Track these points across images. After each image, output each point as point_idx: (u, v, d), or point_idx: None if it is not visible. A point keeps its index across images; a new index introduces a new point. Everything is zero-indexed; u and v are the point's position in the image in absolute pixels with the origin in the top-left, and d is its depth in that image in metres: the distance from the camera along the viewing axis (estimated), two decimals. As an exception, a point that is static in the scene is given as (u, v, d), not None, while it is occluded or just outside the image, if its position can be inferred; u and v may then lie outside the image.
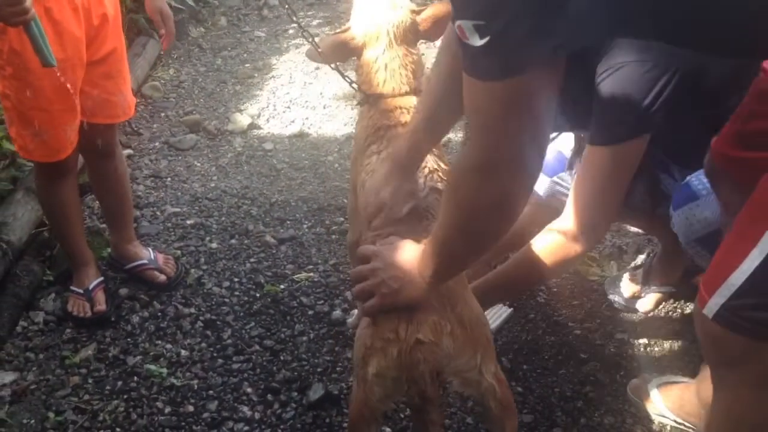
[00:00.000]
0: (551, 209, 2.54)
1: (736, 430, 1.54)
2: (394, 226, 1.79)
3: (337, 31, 2.20)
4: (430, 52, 3.31)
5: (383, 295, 1.59)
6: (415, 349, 1.56)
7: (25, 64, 2.16)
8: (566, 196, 2.18)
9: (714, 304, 1.37)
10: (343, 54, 2.17)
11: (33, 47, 2.02)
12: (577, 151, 2.32)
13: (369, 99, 2.11)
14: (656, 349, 2.45)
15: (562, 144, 2.42)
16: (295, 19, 2.30)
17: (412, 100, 2.04)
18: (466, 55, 1.21)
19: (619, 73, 1.91)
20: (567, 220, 2.08)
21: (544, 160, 1.32)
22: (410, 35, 2.11)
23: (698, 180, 2.03)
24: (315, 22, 5.48)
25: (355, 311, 2.50)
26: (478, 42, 1.15)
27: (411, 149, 1.84)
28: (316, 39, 2.20)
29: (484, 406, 1.71)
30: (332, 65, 2.17)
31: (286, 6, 2.30)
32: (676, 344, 2.46)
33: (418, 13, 2.13)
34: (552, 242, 2.10)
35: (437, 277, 1.54)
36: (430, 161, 1.92)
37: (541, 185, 2.41)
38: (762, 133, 1.56)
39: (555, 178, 2.40)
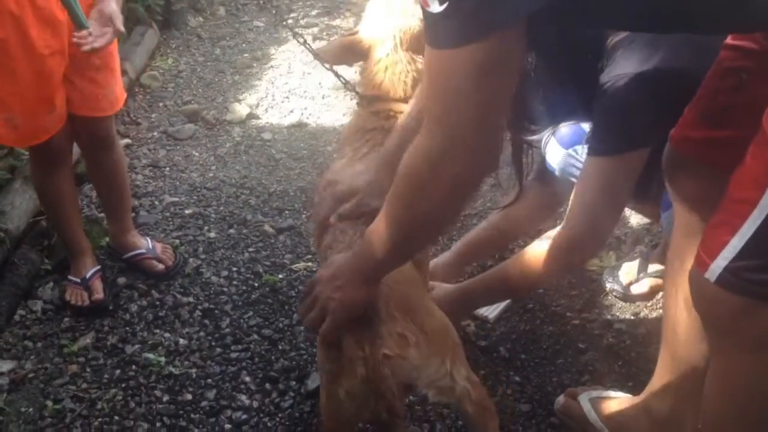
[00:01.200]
0: (547, 208, 2.55)
1: (734, 395, 1.52)
2: (358, 218, 1.79)
3: (346, 33, 2.22)
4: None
5: (332, 312, 1.57)
6: (382, 364, 1.54)
7: (7, 49, 2.14)
8: (576, 175, 2.17)
9: (716, 266, 1.36)
10: (350, 56, 2.19)
11: (68, 12, 2.07)
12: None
13: (363, 100, 2.13)
14: (654, 339, 2.45)
15: None
16: (288, 25, 2.32)
17: (403, 107, 2.02)
18: (427, 25, 1.19)
19: (620, 84, 1.89)
20: (566, 229, 2.07)
21: (502, 140, 1.30)
22: (417, 43, 2.11)
23: None
24: (314, 12, 5.47)
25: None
26: (437, 8, 1.13)
27: (400, 147, 1.78)
28: (317, 30, 2.23)
29: (462, 411, 1.71)
30: (326, 65, 2.18)
31: (284, 22, 2.32)
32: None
33: None
34: (549, 250, 2.09)
35: (382, 267, 1.53)
36: None
37: (555, 157, 2.33)
38: (727, 109, 1.56)
39: (570, 151, 2.31)
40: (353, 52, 2.16)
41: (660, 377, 1.92)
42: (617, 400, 2.07)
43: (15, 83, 2.21)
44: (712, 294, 1.42)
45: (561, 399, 2.17)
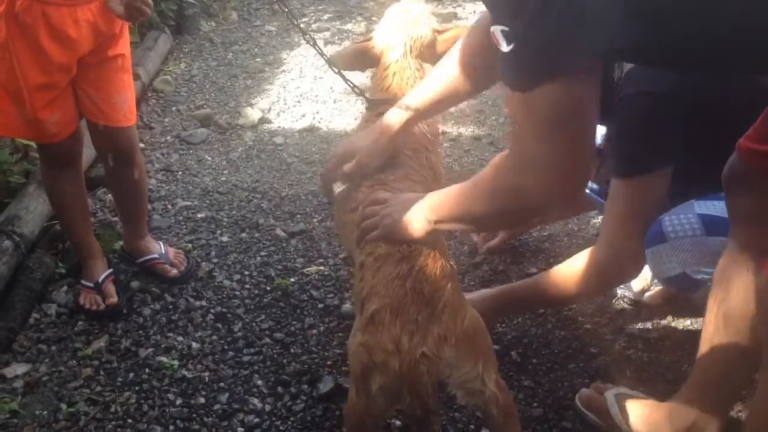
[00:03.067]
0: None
1: None
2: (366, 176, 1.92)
3: (360, 39, 2.25)
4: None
5: (385, 226, 1.63)
6: (419, 362, 1.56)
7: (18, 51, 2.20)
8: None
9: None
10: (362, 62, 2.26)
11: None
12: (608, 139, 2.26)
13: (371, 104, 2.19)
14: (666, 344, 2.45)
15: None
16: (297, 25, 2.34)
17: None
18: (499, 63, 1.19)
19: (635, 104, 1.89)
20: (595, 251, 2.07)
21: (587, 170, 1.29)
22: (428, 52, 2.19)
23: (671, 220, 2.00)
24: (326, 17, 5.49)
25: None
26: (506, 48, 1.14)
27: (401, 122, 1.92)
28: (329, 34, 2.28)
29: (487, 415, 1.72)
30: (335, 69, 2.20)
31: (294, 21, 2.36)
32: (687, 342, 2.46)
33: (441, 32, 2.20)
34: (584, 270, 2.09)
35: (440, 224, 1.56)
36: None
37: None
38: None
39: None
40: (366, 57, 2.22)
41: (689, 389, 1.91)
42: (642, 403, 2.06)
43: (24, 83, 2.24)
44: None
45: (586, 391, 2.17)
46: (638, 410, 2.03)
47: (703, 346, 1.84)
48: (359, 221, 1.73)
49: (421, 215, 1.57)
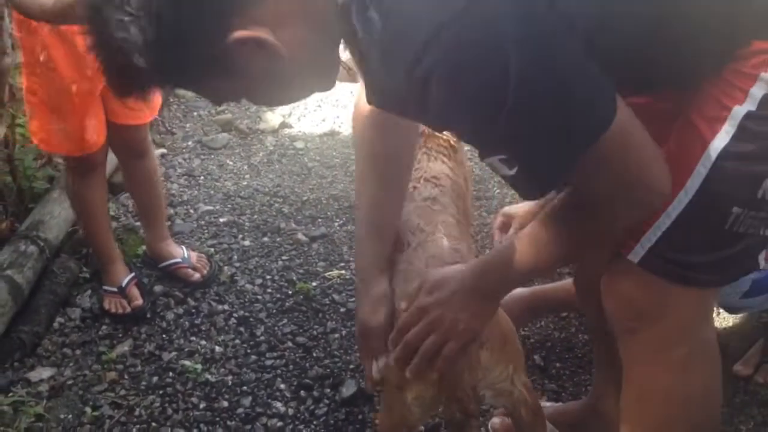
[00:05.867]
0: None
1: (648, 400, 1.51)
2: None
3: None
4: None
5: (460, 333, 1.46)
6: (463, 370, 1.55)
7: (55, 62, 2.22)
8: None
9: (640, 248, 1.35)
10: None
11: None
12: None
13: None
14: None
15: None
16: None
17: None
18: (516, 186, 1.23)
19: None
20: None
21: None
22: None
23: None
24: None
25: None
26: (511, 172, 1.16)
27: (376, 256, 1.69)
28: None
29: (515, 416, 1.71)
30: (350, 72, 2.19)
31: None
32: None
33: None
34: None
35: (512, 283, 1.52)
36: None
37: None
38: None
39: None
40: None
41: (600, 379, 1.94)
42: (563, 407, 2.08)
43: (62, 94, 2.27)
44: (630, 281, 1.40)
45: (497, 421, 2.08)
46: (565, 415, 2.06)
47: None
48: (415, 340, 1.50)
49: (476, 297, 1.46)
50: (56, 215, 2.91)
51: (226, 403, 2.27)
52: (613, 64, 1.13)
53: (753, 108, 1.25)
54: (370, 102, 1.30)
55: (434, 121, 1.24)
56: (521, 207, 2.72)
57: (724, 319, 2.48)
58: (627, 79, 1.20)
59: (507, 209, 2.71)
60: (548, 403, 2.13)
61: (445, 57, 1.06)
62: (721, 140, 1.26)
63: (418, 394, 1.59)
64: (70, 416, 2.23)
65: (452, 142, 2.00)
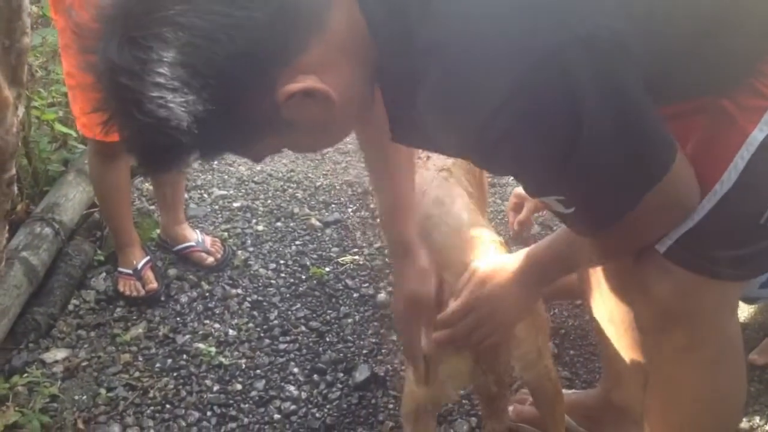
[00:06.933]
0: None
1: (675, 398, 1.49)
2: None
3: None
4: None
5: (505, 326, 1.54)
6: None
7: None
8: None
9: (668, 239, 1.32)
10: None
11: None
12: None
13: None
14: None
15: None
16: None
17: None
18: (569, 221, 1.25)
19: None
20: None
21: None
22: None
23: None
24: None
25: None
26: (567, 211, 1.17)
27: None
28: None
29: (538, 389, 1.72)
30: None
31: None
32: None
33: None
34: None
35: (553, 276, 1.56)
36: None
37: None
38: None
39: None
40: None
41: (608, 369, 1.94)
42: (576, 398, 2.06)
43: None
44: (664, 273, 1.37)
45: (512, 408, 2.07)
46: (577, 404, 2.04)
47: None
48: (466, 331, 1.54)
49: (533, 284, 1.52)
50: (71, 198, 2.92)
51: (239, 386, 2.28)
52: (653, 79, 1.13)
53: None
54: (394, 139, 1.29)
55: (495, 170, 1.30)
56: None
57: (740, 309, 2.47)
58: (660, 90, 1.18)
59: (519, 190, 2.70)
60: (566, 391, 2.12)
61: (518, 123, 1.06)
62: (761, 131, 1.23)
63: (456, 369, 1.60)
64: (85, 397, 2.25)
65: None
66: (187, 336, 2.47)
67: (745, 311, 2.47)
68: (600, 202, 1.18)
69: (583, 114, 1.05)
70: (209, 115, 1.01)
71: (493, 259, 1.58)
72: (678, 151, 1.18)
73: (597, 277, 1.75)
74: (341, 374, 2.31)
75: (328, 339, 2.46)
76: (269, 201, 3.23)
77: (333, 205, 3.21)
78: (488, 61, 1.05)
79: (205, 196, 3.26)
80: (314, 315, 2.56)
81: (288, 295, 2.66)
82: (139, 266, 2.63)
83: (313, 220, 3.07)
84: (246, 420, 2.17)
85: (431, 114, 1.14)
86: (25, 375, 2.27)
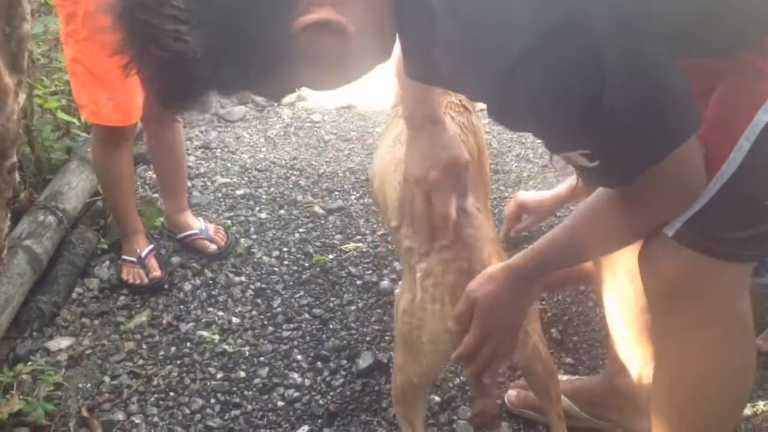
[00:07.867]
0: None
1: (683, 378, 1.48)
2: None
3: None
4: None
5: (511, 330, 1.53)
6: None
7: (99, 24, 2.19)
8: None
9: (676, 221, 1.32)
10: None
11: None
12: None
13: None
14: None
15: None
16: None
17: None
18: (592, 175, 1.23)
19: None
20: None
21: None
22: None
23: None
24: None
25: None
26: (591, 164, 1.16)
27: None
28: None
29: (529, 370, 1.72)
30: None
31: None
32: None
33: None
34: None
35: (553, 267, 1.54)
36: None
37: None
38: None
39: None
40: None
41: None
42: (579, 384, 2.06)
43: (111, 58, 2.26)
44: (665, 253, 1.37)
45: (513, 392, 2.10)
46: (579, 389, 2.04)
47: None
48: (471, 347, 1.53)
49: (523, 290, 1.50)
50: (74, 186, 2.92)
51: (243, 374, 2.29)
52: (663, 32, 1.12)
53: None
54: (407, 73, 1.29)
55: (513, 124, 1.26)
56: (534, 195, 2.70)
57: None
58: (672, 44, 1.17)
59: (521, 197, 2.68)
60: (565, 377, 2.12)
61: (540, 76, 1.06)
62: (766, 112, 1.22)
63: (436, 333, 1.60)
64: (89, 385, 2.25)
65: (464, 103, 1.98)
66: (191, 324, 2.47)
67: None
68: (626, 156, 1.17)
69: (606, 70, 1.04)
70: (225, 47, 1.02)
71: (483, 280, 1.54)
72: (699, 124, 1.17)
73: (610, 260, 1.75)
74: (344, 361, 2.32)
75: (331, 326, 2.46)
76: (272, 188, 3.23)
77: (336, 193, 3.20)
78: (511, 13, 1.05)
79: (208, 183, 3.26)
80: (317, 302, 2.56)
81: (291, 283, 2.66)
82: (143, 254, 2.64)
83: (316, 208, 3.07)
84: (249, 407, 2.18)
85: (449, 61, 1.14)
86: (30, 363, 2.28)
